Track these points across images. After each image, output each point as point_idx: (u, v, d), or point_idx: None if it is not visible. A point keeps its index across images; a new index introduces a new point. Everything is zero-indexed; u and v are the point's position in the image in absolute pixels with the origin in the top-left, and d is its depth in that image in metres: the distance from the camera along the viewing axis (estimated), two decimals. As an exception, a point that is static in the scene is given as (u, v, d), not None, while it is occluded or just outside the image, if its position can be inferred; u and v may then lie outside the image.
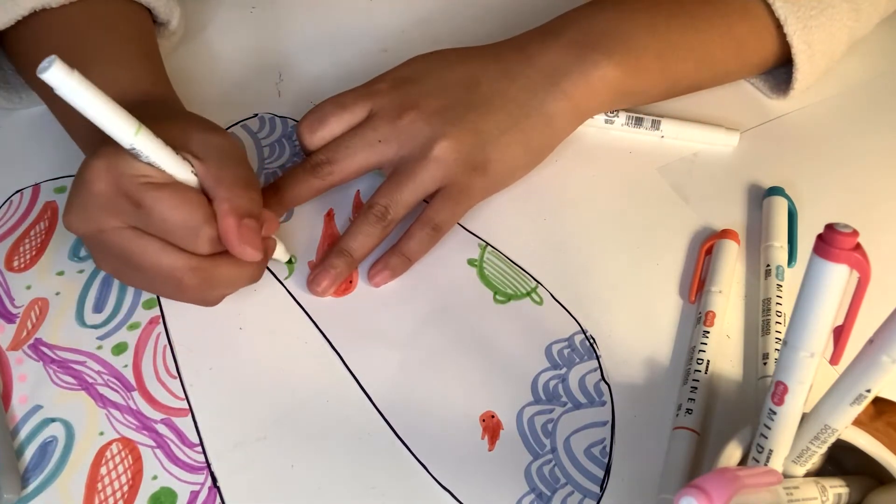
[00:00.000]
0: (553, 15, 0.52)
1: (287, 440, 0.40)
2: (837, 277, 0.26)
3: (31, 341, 0.43)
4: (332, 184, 0.47)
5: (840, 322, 0.29)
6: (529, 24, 0.52)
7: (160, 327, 0.43)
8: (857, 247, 0.26)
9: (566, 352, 0.43)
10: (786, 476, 0.33)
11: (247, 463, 0.39)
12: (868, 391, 0.28)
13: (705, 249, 0.46)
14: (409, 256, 0.46)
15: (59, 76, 0.32)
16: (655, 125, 0.53)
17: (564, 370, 0.42)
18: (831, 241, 0.26)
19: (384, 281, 0.45)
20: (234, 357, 0.42)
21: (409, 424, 0.40)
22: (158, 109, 0.43)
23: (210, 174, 0.38)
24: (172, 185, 0.37)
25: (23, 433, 0.40)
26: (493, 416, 0.40)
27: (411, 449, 0.39)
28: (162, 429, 0.40)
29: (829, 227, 0.26)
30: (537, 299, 0.45)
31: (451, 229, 0.48)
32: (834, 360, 0.30)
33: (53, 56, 0.32)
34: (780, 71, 0.55)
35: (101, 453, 0.39)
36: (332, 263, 0.45)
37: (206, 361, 0.42)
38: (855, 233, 0.26)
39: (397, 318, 0.44)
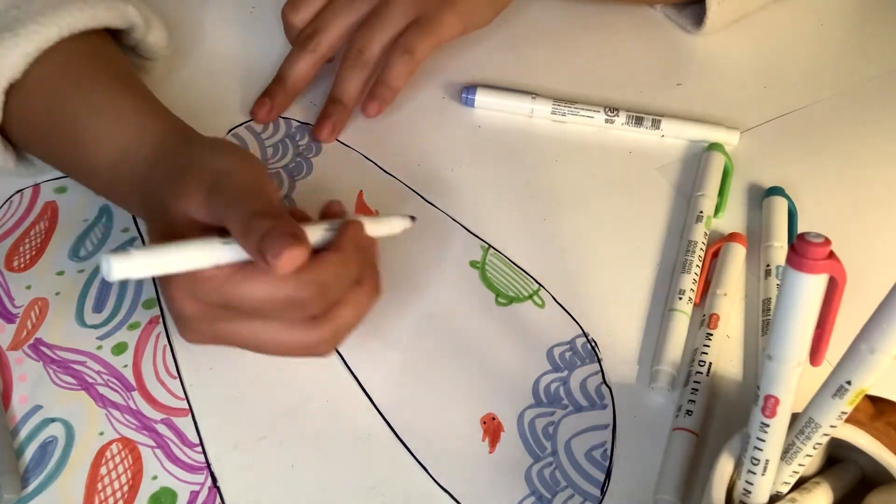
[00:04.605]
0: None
1: (287, 440, 0.40)
2: (814, 288, 0.26)
3: (31, 341, 0.43)
4: (324, 54, 0.52)
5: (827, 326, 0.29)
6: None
7: (160, 327, 0.43)
8: (831, 255, 0.26)
9: (568, 355, 0.43)
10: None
11: (247, 463, 0.39)
12: (848, 383, 0.28)
13: (712, 252, 0.46)
14: (391, 83, 0.51)
15: (126, 269, 0.31)
16: (655, 125, 0.53)
17: (566, 373, 0.42)
18: (805, 253, 0.25)
19: (375, 110, 0.52)
20: (234, 357, 0.42)
21: (409, 425, 0.40)
22: (154, 170, 0.40)
23: (231, 228, 0.34)
24: (249, 273, 0.34)
25: (23, 433, 0.39)
26: (493, 419, 0.40)
27: (411, 450, 0.39)
28: (162, 429, 0.40)
29: (801, 238, 0.26)
30: (539, 302, 0.45)
31: (427, 58, 0.51)
32: (815, 361, 0.30)
33: (105, 257, 0.30)
34: (699, 7, 0.59)
35: (100, 453, 0.39)
36: (327, 112, 0.52)
37: (206, 361, 0.42)
38: (827, 241, 0.25)
39: (399, 318, 0.44)
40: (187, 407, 0.41)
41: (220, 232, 0.35)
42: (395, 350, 0.43)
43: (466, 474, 0.39)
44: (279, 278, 0.34)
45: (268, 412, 0.40)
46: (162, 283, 0.36)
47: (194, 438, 0.39)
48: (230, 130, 0.53)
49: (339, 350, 0.43)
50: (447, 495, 0.38)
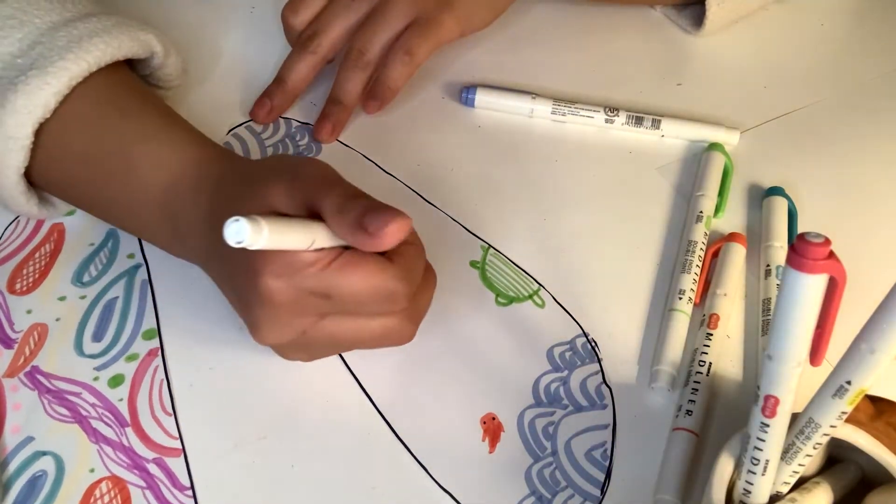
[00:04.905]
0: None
1: (287, 440, 0.40)
2: (815, 288, 0.26)
3: (28, 369, 0.41)
4: (324, 55, 0.52)
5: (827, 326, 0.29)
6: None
7: (158, 360, 0.42)
8: (831, 255, 0.26)
9: (568, 355, 0.43)
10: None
11: (247, 463, 0.39)
12: (848, 383, 0.28)
13: (712, 252, 0.46)
14: (390, 84, 0.52)
15: (256, 238, 0.29)
16: (655, 125, 0.53)
17: (566, 373, 0.42)
18: (805, 253, 0.25)
19: (376, 107, 0.52)
20: (235, 357, 0.42)
21: (409, 426, 0.40)
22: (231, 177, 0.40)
23: (324, 209, 0.34)
24: (349, 261, 0.34)
25: (12, 466, 0.38)
26: (493, 419, 0.40)
27: (411, 450, 0.39)
28: (153, 469, 0.39)
29: (801, 238, 0.26)
30: (539, 302, 0.45)
31: (426, 60, 0.52)
32: (815, 361, 0.30)
33: (236, 219, 0.29)
34: (699, 8, 0.59)
35: (90, 492, 0.38)
36: (327, 113, 0.52)
37: (207, 361, 0.42)
38: (827, 241, 0.25)
39: (398, 319, 0.44)
40: (180, 447, 0.39)
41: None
42: (395, 350, 0.43)
43: (466, 474, 0.39)
44: (381, 269, 0.34)
45: (268, 412, 0.40)
46: (253, 267, 0.34)
47: (185, 481, 0.38)
48: (230, 130, 0.53)
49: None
50: (447, 495, 0.38)
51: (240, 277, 0.36)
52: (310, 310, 0.35)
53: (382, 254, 0.35)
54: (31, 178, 0.43)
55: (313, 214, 0.35)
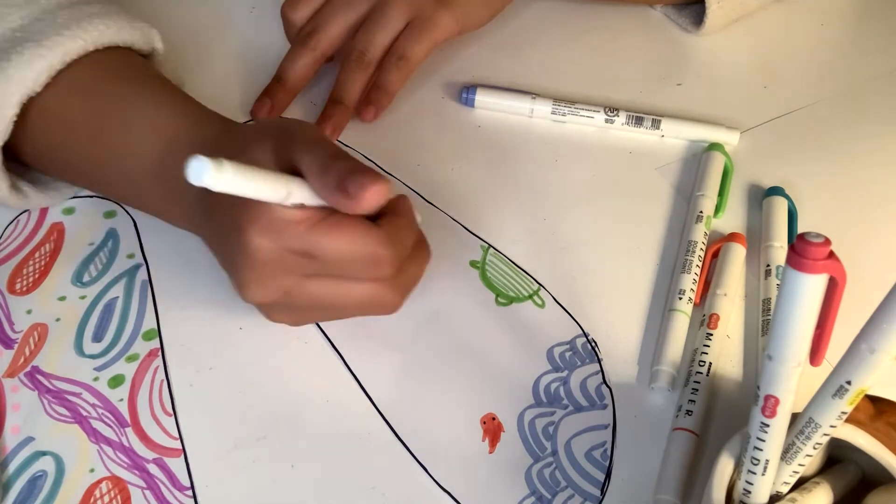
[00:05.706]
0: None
1: (287, 440, 0.40)
2: (815, 288, 0.26)
3: (28, 369, 0.41)
4: (324, 52, 0.52)
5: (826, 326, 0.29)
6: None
7: (158, 360, 0.42)
8: (831, 255, 0.26)
9: (568, 355, 0.43)
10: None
11: (247, 463, 0.39)
12: (848, 383, 0.28)
13: (712, 253, 0.46)
14: (387, 88, 0.52)
15: (215, 178, 0.29)
16: (655, 125, 0.53)
17: (566, 373, 0.42)
18: (805, 253, 0.25)
19: (372, 115, 0.52)
20: (235, 356, 0.42)
21: (409, 425, 0.40)
22: (223, 136, 0.40)
23: (307, 168, 0.35)
24: (335, 222, 0.35)
25: (12, 466, 0.38)
26: (493, 419, 0.40)
27: (411, 450, 0.39)
28: (153, 469, 0.39)
29: (801, 238, 0.26)
30: (539, 302, 0.45)
31: (422, 61, 0.52)
32: (815, 361, 0.30)
33: (198, 157, 0.28)
34: (699, 7, 0.59)
35: (90, 492, 0.38)
36: (328, 114, 0.52)
37: (206, 361, 0.42)
38: (827, 241, 0.26)
39: (399, 318, 0.44)
40: (181, 447, 0.39)
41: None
42: (395, 350, 0.43)
43: (466, 474, 0.39)
44: (365, 232, 0.35)
45: (268, 412, 0.40)
46: (238, 224, 0.34)
47: (185, 481, 0.38)
48: (230, 130, 0.53)
49: (340, 350, 0.43)
50: (447, 495, 0.38)
51: (227, 235, 0.36)
52: (294, 269, 0.35)
53: (373, 220, 0.36)
54: (17, 152, 0.43)
55: (297, 173, 0.35)
